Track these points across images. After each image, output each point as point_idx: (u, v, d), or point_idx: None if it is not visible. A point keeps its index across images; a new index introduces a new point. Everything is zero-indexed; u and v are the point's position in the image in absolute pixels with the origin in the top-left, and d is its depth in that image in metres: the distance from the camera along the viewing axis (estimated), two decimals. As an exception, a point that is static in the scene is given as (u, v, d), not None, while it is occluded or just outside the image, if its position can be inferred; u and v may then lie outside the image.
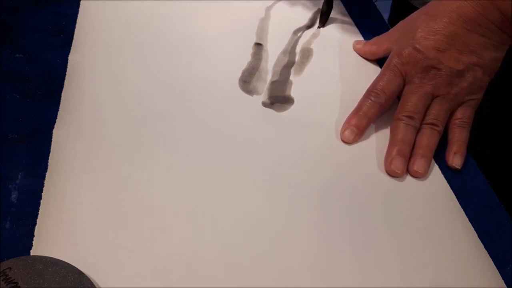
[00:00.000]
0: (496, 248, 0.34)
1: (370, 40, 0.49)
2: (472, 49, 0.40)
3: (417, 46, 0.41)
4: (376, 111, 0.41)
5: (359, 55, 0.49)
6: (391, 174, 0.38)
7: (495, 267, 0.33)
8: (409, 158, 0.39)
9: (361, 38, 0.52)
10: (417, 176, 0.38)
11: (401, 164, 0.38)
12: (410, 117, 0.40)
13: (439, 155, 0.40)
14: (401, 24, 0.45)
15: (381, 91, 0.41)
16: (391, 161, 0.38)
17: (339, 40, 0.51)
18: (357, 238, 0.33)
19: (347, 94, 0.44)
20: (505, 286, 0.32)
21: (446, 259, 0.33)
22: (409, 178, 0.38)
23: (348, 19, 0.54)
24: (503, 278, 0.33)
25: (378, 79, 0.42)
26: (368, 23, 0.54)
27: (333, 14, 0.54)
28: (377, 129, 0.42)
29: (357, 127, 0.40)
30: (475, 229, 0.35)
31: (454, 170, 0.39)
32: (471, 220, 0.36)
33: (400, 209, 0.35)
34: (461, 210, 0.36)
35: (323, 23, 0.49)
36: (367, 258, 0.32)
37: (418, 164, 0.38)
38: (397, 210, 0.35)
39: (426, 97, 0.40)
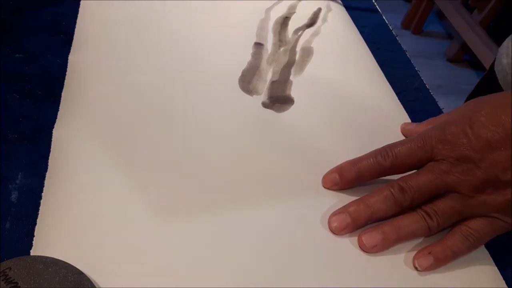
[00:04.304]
0: (496, 248, 0.34)
1: (425, 121, 0.41)
2: None
3: (468, 129, 0.32)
4: (372, 172, 0.35)
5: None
6: (329, 226, 0.33)
7: (495, 267, 0.33)
8: (361, 226, 0.33)
9: (360, 37, 0.52)
10: (361, 247, 0.32)
11: (343, 223, 0.33)
12: (402, 191, 0.33)
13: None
14: (469, 103, 0.36)
15: (392, 155, 0.34)
16: (336, 215, 0.33)
17: (339, 39, 0.51)
18: (357, 237, 0.33)
19: (347, 94, 0.44)
20: (505, 286, 0.32)
21: (446, 259, 0.33)
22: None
23: (348, 18, 0.54)
24: (503, 278, 0.33)
25: (401, 141, 0.35)
26: (368, 22, 0.54)
27: (333, 13, 0.54)
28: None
29: (343, 178, 0.35)
30: (475, 229, 0.35)
31: (415, 269, 0.32)
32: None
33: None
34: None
35: None
36: (367, 258, 0.32)
37: (369, 237, 0.32)
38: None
39: (442, 186, 0.33)
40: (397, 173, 0.35)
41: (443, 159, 0.33)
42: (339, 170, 0.36)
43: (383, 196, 0.33)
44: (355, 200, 0.34)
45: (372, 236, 0.32)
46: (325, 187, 0.36)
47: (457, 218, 0.33)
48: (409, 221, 0.33)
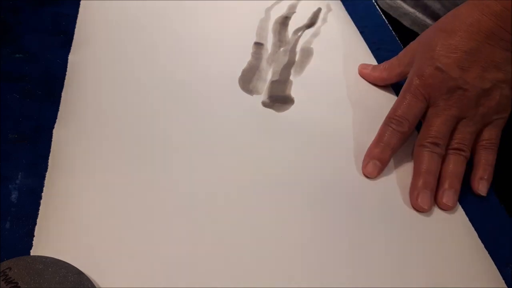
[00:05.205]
0: (496, 248, 0.34)
1: (379, 65, 0.46)
2: (497, 65, 0.37)
3: (439, 65, 0.38)
4: (398, 140, 0.38)
5: (367, 80, 0.46)
6: (418, 209, 0.35)
7: (495, 267, 0.33)
8: (435, 189, 0.36)
9: (360, 38, 0.52)
10: (446, 209, 0.36)
11: (428, 198, 0.35)
12: (435, 144, 0.37)
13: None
14: (412, 45, 0.42)
15: (402, 118, 0.38)
16: (418, 196, 0.35)
17: (339, 39, 0.51)
18: (356, 238, 0.33)
19: (347, 94, 0.44)
20: (505, 286, 0.32)
21: (446, 259, 0.33)
22: (407, 178, 0.38)
23: (348, 18, 0.54)
24: (503, 278, 0.33)
25: (398, 103, 0.39)
26: (368, 22, 0.54)
27: (333, 13, 0.54)
28: None
29: (380, 160, 0.37)
30: (475, 229, 0.35)
31: (479, 196, 0.37)
32: (471, 220, 0.36)
33: (399, 209, 0.35)
34: (461, 210, 0.36)
35: None
36: (367, 258, 0.32)
37: (447, 197, 0.36)
38: (396, 210, 0.35)
39: (451, 120, 0.37)
40: (413, 131, 0.39)
41: (437, 99, 0.38)
42: (375, 156, 0.37)
43: (428, 157, 0.37)
44: (415, 175, 0.37)
45: (450, 195, 0.36)
46: (372, 178, 0.37)
47: (474, 137, 0.38)
48: (453, 165, 0.37)
